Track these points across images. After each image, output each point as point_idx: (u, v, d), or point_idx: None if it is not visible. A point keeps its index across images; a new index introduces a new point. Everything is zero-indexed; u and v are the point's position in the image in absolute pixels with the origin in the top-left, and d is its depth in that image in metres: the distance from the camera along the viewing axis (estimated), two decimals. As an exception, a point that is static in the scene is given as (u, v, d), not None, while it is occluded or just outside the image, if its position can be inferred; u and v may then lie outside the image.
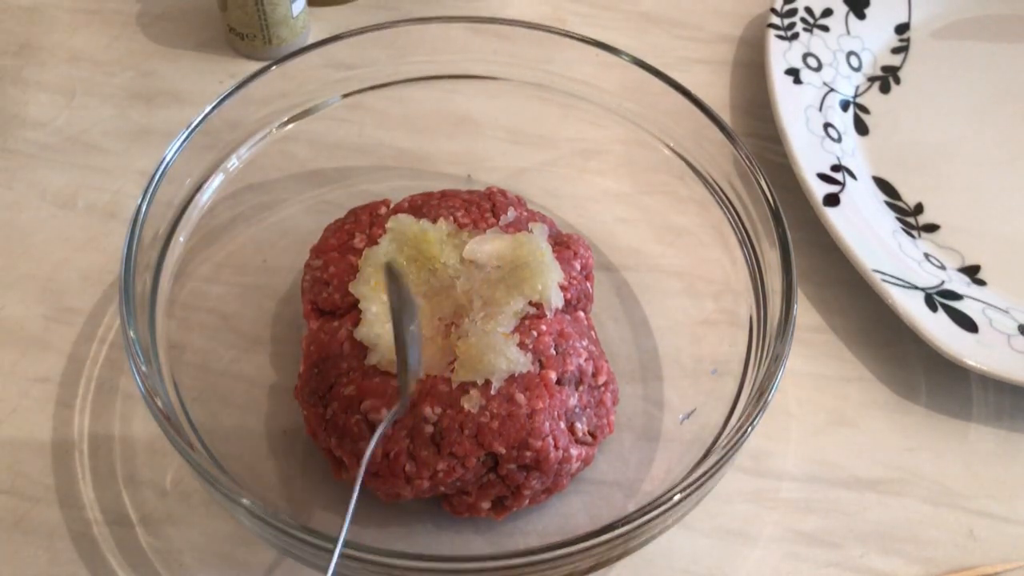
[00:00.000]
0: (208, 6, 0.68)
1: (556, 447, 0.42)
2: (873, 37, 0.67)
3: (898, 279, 0.53)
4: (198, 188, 0.50)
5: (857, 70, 0.66)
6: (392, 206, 0.50)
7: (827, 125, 0.61)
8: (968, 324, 0.52)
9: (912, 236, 0.58)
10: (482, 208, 0.50)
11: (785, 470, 0.50)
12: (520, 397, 0.42)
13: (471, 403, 0.42)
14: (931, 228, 0.59)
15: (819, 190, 0.56)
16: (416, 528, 0.46)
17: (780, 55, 0.62)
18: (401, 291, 0.36)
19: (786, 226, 0.46)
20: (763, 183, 0.48)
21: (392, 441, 0.42)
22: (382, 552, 0.37)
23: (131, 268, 0.43)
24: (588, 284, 0.49)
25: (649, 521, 0.38)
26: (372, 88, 0.55)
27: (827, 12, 0.66)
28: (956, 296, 0.54)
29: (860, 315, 0.55)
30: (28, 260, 0.55)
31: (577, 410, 0.44)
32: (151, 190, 0.46)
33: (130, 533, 0.45)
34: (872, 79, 0.66)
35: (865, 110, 0.64)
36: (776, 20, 0.64)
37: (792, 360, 0.46)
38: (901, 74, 0.67)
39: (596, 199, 0.58)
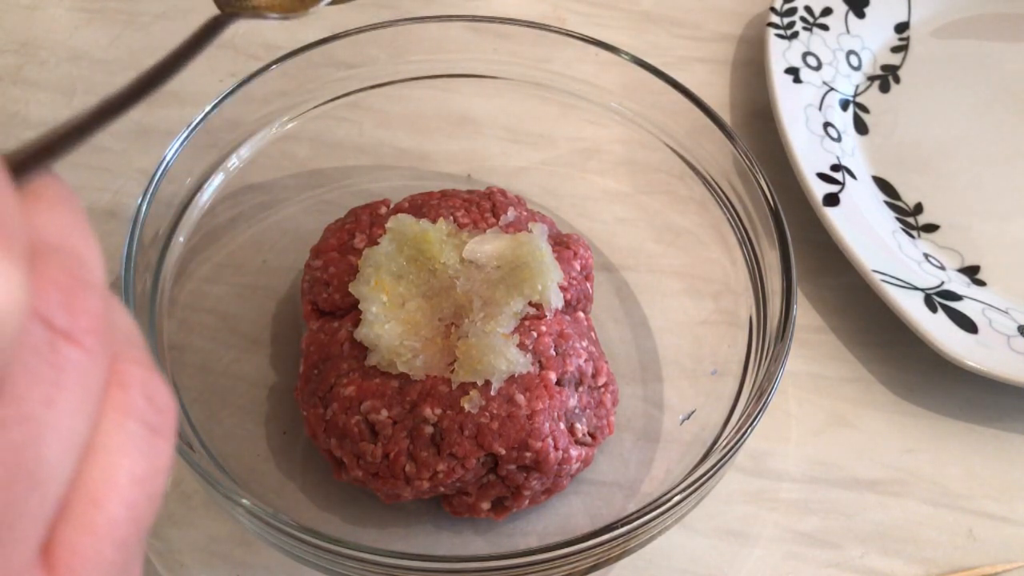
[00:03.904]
0: (209, 5, 0.68)
1: (556, 448, 0.42)
2: (873, 36, 0.67)
3: (898, 279, 0.53)
4: (198, 188, 0.50)
5: (857, 69, 0.66)
6: (392, 206, 0.50)
7: (827, 124, 0.61)
8: (968, 325, 0.52)
9: (912, 236, 0.58)
10: (482, 208, 0.50)
11: (785, 470, 0.50)
12: (520, 398, 0.42)
13: (471, 404, 0.42)
14: (931, 228, 0.59)
15: (819, 190, 0.56)
16: (416, 528, 0.46)
17: (780, 54, 0.62)
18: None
19: (786, 226, 0.46)
20: (763, 183, 0.48)
21: (392, 442, 0.42)
22: (382, 552, 0.37)
23: (131, 268, 0.43)
24: (588, 284, 0.49)
25: (649, 521, 0.38)
26: (372, 87, 0.55)
27: (827, 11, 0.66)
28: (956, 297, 0.54)
29: (860, 315, 0.55)
30: (28, 260, 0.55)
31: (577, 411, 0.44)
32: (151, 189, 0.46)
33: (130, 533, 0.45)
34: (872, 78, 0.66)
35: (865, 109, 0.64)
36: (776, 19, 0.64)
37: (792, 360, 0.46)
38: (901, 73, 0.67)
39: (596, 199, 0.57)
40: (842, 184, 0.57)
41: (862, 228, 0.55)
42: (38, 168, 0.20)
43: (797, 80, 0.62)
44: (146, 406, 0.19)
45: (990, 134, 0.64)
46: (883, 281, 0.52)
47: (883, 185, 0.60)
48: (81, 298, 0.17)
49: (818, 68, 0.63)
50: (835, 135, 0.61)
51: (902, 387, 0.53)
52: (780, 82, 0.61)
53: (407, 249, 0.46)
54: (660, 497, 0.39)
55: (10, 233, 0.16)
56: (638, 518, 0.38)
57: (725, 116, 0.60)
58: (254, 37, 0.66)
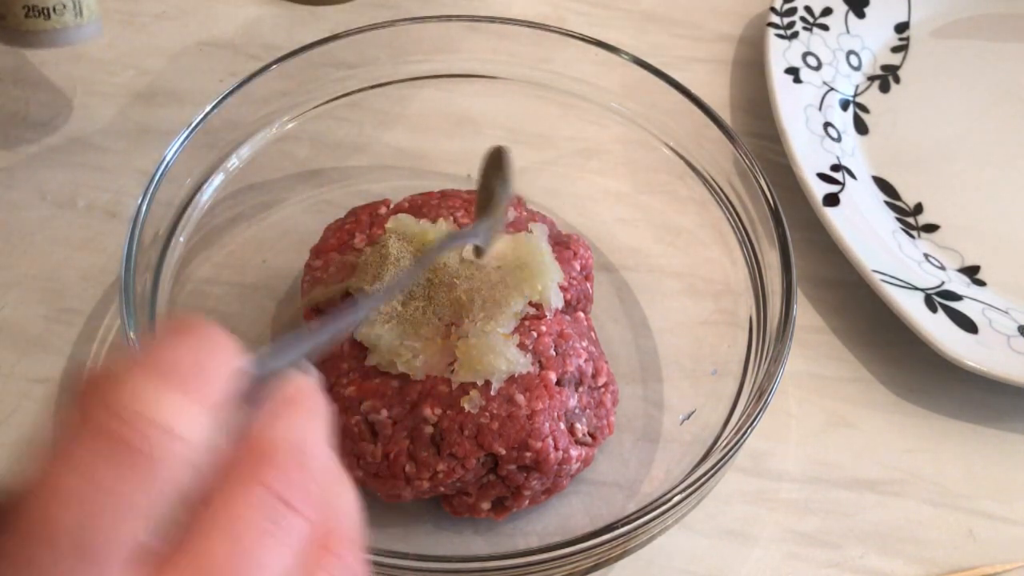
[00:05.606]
0: (209, 5, 0.68)
1: (556, 448, 0.42)
2: (873, 36, 0.67)
3: (898, 279, 0.53)
4: (198, 188, 0.50)
5: (857, 69, 0.66)
6: (392, 206, 0.50)
7: (827, 124, 0.61)
8: (968, 325, 0.52)
9: (912, 236, 0.58)
10: (482, 208, 0.50)
11: (785, 470, 0.50)
12: (520, 398, 0.42)
13: (471, 404, 0.42)
14: (931, 228, 0.59)
15: (819, 190, 0.56)
16: (416, 528, 0.46)
17: (780, 54, 0.62)
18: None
19: (786, 226, 0.46)
20: (763, 183, 0.48)
21: (392, 442, 0.42)
22: (382, 552, 0.37)
23: (131, 268, 0.43)
24: (588, 284, 0.49)
25: (649, 521, 0.38)
26: (372, 88, 0.55)
27: (827, 11, 0.66)
28: (956, 297, 0.54)
29: (860, 315, 0.55)
30: (28, 260, 0.55)
31: (577, 411, 0.44)
32: (151, 190, 0.46)
33: (130, 533, 0.45)
34: (872, 78, 0.66)
35: (865, 109, 0.64)
36: (776, 19, 0.64)
37: (792, 360, 0.46)
38: (901, 73, 0.67)
39: (596, 199, 0.57)
40: (842, 184, 0.57)
41: (862, 228, 0.55)
42: (293, 360, 0.26)
43: (797, 80, 0.62)
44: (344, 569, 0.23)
45: (990, 134, 0.64)
46: (883, 281, 0.52)
47: (883, 185, 0.60)
48: (298, 477, 0.22)
49: (818, 68, 0.63)
50: (835, 135, 0.61)
51: (902, 387, 0.53)
52: (780, 82, 0.61)
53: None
54: (660, 497, 0.39)
55: (210, 394, 0.21)
56: (638, 518, 0.38)
57: (725, 115, 0.60)
58: (254, 37, 0.66)
